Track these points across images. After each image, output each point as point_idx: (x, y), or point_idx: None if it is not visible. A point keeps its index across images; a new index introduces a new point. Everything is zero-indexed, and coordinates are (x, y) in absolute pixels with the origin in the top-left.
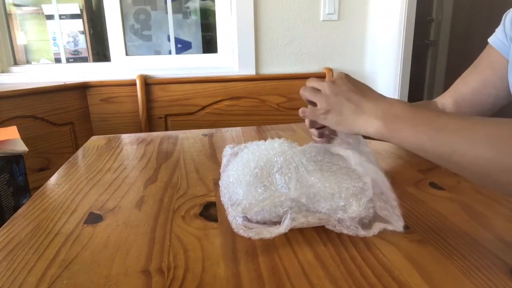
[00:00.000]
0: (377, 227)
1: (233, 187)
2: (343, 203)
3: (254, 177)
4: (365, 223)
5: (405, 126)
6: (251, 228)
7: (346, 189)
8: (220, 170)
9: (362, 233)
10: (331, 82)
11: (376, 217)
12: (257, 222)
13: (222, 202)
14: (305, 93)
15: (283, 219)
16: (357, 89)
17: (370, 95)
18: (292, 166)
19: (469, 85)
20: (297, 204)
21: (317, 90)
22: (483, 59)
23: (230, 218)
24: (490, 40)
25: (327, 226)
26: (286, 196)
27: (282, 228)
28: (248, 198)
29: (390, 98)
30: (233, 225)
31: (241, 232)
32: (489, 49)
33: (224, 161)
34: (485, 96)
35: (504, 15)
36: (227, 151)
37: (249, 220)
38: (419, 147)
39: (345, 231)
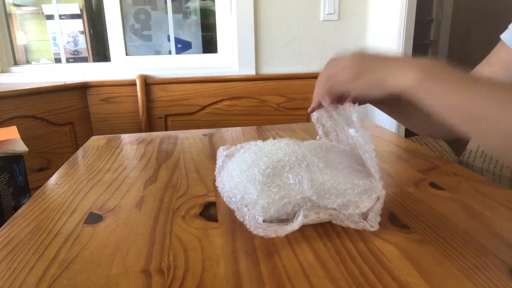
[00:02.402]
0: (375, 215)
1: (244, 187)
2: (356, 199)
3: (267, 176)
4: (366, 214)
5: (441, 83)
6: (267, 227)
7: (358, 185)
8: (215, 172)
9: (368, 227)
10: (353, 53)
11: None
12: (264, 221)
13: (227, 203)
14: (328, 70)
15: (296, 215)
16: (378, 55)
17: (399, 56)
18: (304, 164)
19: None
20: (305, 201)
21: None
22: (494, 56)
23: (247, 218)
24: (503, 36)
25: (334, 222)
26: (302, 194)
27: (296, 225)
28: (263, 197)
29: (414, 58)
30: (251, 225)
31: (260, 231)
32: (501, 45)
33: (219, 162)
34: None
35: None
36: (221, 152)
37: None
38: (451, 107)
39: (352, 226)
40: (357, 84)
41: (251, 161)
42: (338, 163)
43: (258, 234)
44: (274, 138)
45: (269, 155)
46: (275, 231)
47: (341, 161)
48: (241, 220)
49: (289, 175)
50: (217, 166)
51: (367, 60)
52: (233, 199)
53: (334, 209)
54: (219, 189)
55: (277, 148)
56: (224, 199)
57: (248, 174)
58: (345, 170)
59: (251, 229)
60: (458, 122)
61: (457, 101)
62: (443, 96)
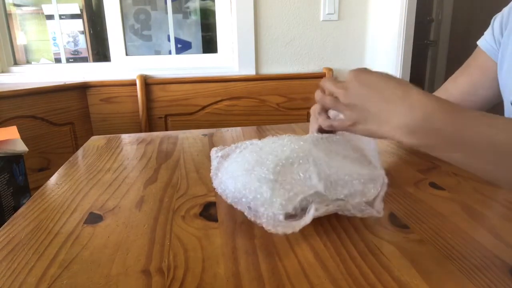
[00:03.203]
0: (379, 201)
1: (255, 187)
2: (362, 188)
3: (277, 174)
4: (372, 202)
5: (449, 143)
6: (285, 225)
7: (363, 175)
8: (211, 174)
9: (375, 213)
10: (345, 90)
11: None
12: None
13: (234, 204)
14: (325, 101)
15: (308, 209)
16: (374, 92)
17: (393, 96)
18: (311, 159)
19: (459, 86)
20: (314, 195)
21: (335, 99)
22: (472, 62)
23: (266, 217)
24: (479, 43)
25: (341, 213)
26: (315, 189)
27: (308, 219)
28: (279, 195)
29: (417, 98)
30: (269, 223)
31: (279, 229)
32: (478, 51)
33: (214, 163)
34: (474, 97)
35: (493, 18)
36: (215, 153)
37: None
38: (467, 165)
39: (359, 215)
40: (358, 129)
41: (254, 160)
42: (338, 153)
43: (277, 232)
44: (272, 136)
45: (274, 153)
46: (293, 227)
47: (340, 150)
48: (253, 219)
49: (299, 172)
50: (212, 167)
51: (366, 99)
52: (243, 200)
53: (342, 199)
54: (219, 191)
55: (280, 145)
56: (229, 201)
57: (256, 173)
58: (347, 159)
59: (269, 228)
60: (479, 174)
61: (470, 161)
62: (452, 156)
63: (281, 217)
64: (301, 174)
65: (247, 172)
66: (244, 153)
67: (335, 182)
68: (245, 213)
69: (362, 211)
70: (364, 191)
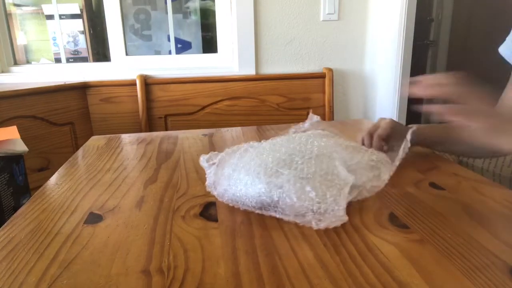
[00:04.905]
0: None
1: (295, 189)
2: (377, 172)
3: (313, 173)
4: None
5: None
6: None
7: (374, 160)
8: (206, 183)
9: (386, 176)
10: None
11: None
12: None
13: (261, 211)
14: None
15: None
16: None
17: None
18: (328, 154)
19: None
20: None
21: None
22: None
23: (327, 216)
24: (501, 51)
25: (354, 199)
26: (350, 182)
27: (343, 203)
28: (327, 191)
29: None
30: (327, 220)
31: (338, 223)
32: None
33: (210, 174)
34: None
35: None
36: (207, 161)
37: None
38: None
39: (368, 194)
40: (491, 134)
41: (275, 161)
42: (337, 145)
43: (329, 227)
44: (274, 137)
45: (296, 153)
46: (341, 219)
47: (339, 143)
48: (298, 221)
49: (329, 167)
50: (208, 178)
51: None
52: (287, 201)
53: (360, 185)
54: (227, 200)
55: (302, 144)
56: (251, 203)
57: (287, 174)
58: (349, 149)
59: (320, 225)
60: None
61: None
62: None
63: (342, 212)
64: (330, 170)
65: (278, 177)
66: (252, 156)
67: (353, 171)
68: (288, 219)
69: (372, 190)
70: (380, 175)
